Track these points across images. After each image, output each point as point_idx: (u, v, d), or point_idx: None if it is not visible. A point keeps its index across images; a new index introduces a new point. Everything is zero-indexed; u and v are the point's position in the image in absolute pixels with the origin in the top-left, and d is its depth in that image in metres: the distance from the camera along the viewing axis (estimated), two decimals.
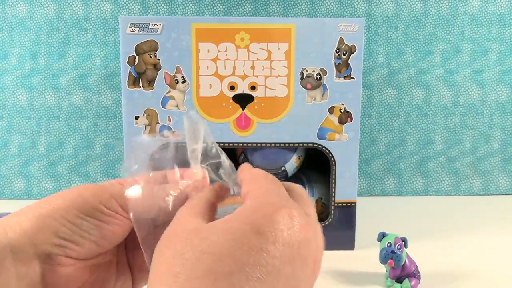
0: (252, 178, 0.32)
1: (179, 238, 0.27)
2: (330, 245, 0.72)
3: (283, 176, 0.75)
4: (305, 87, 0.69)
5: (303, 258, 0.26)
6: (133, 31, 0.67)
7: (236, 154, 0.78)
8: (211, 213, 0.31)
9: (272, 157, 0.72)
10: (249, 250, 0.25)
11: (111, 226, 0.33)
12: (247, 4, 0.95)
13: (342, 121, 0.70)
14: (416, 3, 0.95)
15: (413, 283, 0.60)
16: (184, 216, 0.30)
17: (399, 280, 0.61)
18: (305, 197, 0.32)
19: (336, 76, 0.69)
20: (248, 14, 0.95)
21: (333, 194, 0.71)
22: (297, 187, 0.33)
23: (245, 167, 0.34)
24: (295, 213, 0.27)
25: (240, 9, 0.95)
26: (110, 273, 0.35)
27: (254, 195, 0.29)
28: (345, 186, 0.71)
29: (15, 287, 0.30)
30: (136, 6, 0.94)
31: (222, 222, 0.27)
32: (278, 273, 0.25)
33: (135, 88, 0.68)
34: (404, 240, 0.60)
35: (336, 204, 0.71)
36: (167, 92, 0.68)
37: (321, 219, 0.75)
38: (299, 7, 0.95)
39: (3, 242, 0.30)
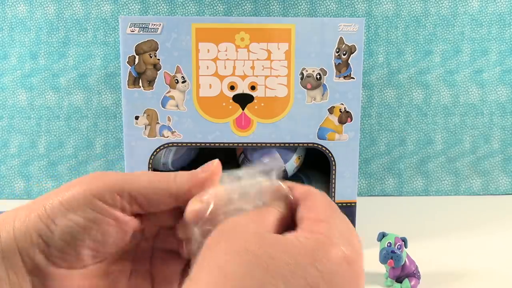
0: (312, 203, 0.29)
1: (238, 238, 0.26)
2: None
3: (283, 176, 0.75)
4: (305, 87, 0.69)
5: None
6: (133, 31, 0.67)
7: (236, 154, 0.78)
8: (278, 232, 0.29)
9: (272, 157, 0.72)
10: (304, 282, 0.25)
11: (108, 227, 0.29)
12: (247, 4, 0.95)
13: (342, 121, 0.70)
14: (416, 3, 0.95)
15: (413, 283, 0.60)
16: (252, 220, 0.28)
17: (399, 280, 0.61)
18: (352, 231, 0.30)
19: (336, 76, 0.69)
20: (248, 14, 0.95)
21: (333, 194, 0.71)
22: (346, 222, 0.30)
23: (299, 186, 0.31)
24: (348, 255, 0.26)
25: (240, 9, 0.95)
26: (119, 284, 0.31)
27: (314, 228, 0.27)
28: (345, 186, 0.71)
29: None
30: (136, 6, 0.94)
31: (286, 239, 0.26)
32: None
33: (135, 88, 0.68)
34: (404, 240, 0.60)
35: (336, 204, 0.71)
36: (167, 92, 0.68)
37: None
38: (299, 7, 0.95)
39: None
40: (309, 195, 0.30)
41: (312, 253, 0.26)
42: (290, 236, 0.27)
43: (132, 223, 0.31)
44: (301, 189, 0.31)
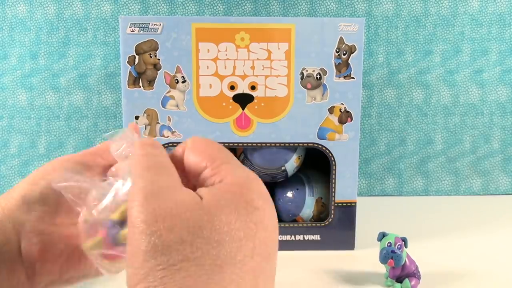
0: (198, 148, 0.30)
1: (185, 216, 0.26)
2: (330, 245, 0.72)
3: (283, 176, 0.75)
4: (305, 87, 0.69)
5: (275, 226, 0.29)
6: (133, 31, 0.67)
7: (236, 154, 0.78)
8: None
9: (272, 157, 0.72)
10: (252, 232, 0.26)
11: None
12: (247, 4, 0.95)
13: (342, 121, 0.70)
14: (416, 3, 0.95)
15: (413, 283, 0.60)
16: (169, 184, 0.28)
17: (399, 280, 0.61)
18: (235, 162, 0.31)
19: (336, 76, 0.69)
20: (248, 14, 0.95)
21: (333, 194, 0.71)
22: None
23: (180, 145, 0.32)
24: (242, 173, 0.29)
25: (240, 9, 0.95)
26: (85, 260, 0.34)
27: (221, 175, 0.29)
28: (345, 186, 0.71)
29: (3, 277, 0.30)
30: (136, 6, 0.94)
31: (213, 201, 0.27)
32: (265, 246, 0.27)
33: (135, 88, 0.68)
34: (404, 240, 0.60)
35: (336, 204, 0.71)
36: (167, 92, 0.68)
37: (321, 219, 0.75)
38: (299, 7, 0.95)
39: None
40: (187, 144, 0.31)
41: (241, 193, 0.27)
42: (209, 193, 0.28)
43: None
44: (177, 149, 0.32)
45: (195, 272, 0.24)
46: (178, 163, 0.30)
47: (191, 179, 0.30)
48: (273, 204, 0.29)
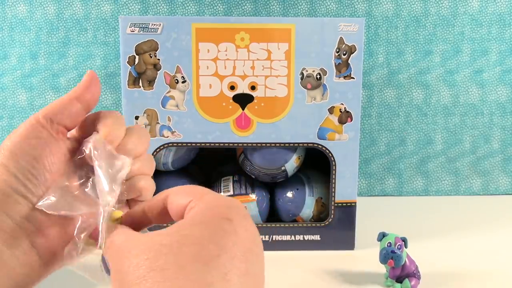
0: (183, 190, 0.32)
1: (143, 244, 0.27)
2: (330, 245, 0.72)
3: (283, 176, 0.75)
4: (305, 87, 0.69)
5: (259, 241, 0.30)
6: (133, 31, 0.67)
7: (236, 154, 0.78)
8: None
9: (272, 157, 0.72)
10: (226, 234, 0.27)
11: (52, 144, 0.33)
12: (247, 4, 0.95)
13: (342, 121, 0.70)
14: (416, 3, 0.95)
15: (413, 283, 0.60)
16: (126, 235, 0.30)
17: (399, 280, 0.61)
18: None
19: (336, 76, 0.69)
20: (248, 14, 0.95)
21: (333, 194, 0.71)
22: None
23: (160, 193, 0.34)
24: (241, 207, 0.31)
25: (240, 9, 0.95)
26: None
27: (204, 199, 0.30)
28: (345, 186, 0.71)
29: (8, 257, 0.30)
30: (136, 6, 0.94)
31: (183, 221, 0.29)
32: (251, 252, 0.28)
33: (135, 88, 0.68)
34: (404, 240, 0.60)
35: (336, 204, 0.71)
36: (167, 92, 0.68)
37: (321, 219, 0.75)
38: (299, 7, 0.95)
39: None
40: (170, 190, 0.33)
41: (218, 212, 0.29)
42: (187, 218, 0.29)
43: (68, 142, 0.35)
44: (158, 196, 0.33)
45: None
46: (155, 208, 0.33)
47: (178, 219, 0.31)
48: (252, 222, 0.30)
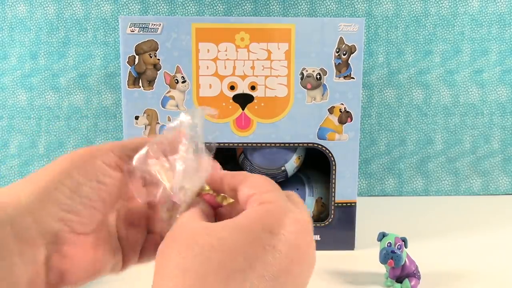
0: (254, 181, 0.31)
1: (185, 236, 0.27)
2: (330, 245, 0.72)
3: (283, 176, 0.75)
4: (305, 87, 0.69)
5: (309, 260, 0.27)
6: (133, 31, 0.67)
7: (236, 154, 0.78)
8: (211, 220, 0.31)
9: (272, 157, 0.72)
10: (262, 248, 0.25)
11: (108, 186, 0.32)
12: (247, 4, 0.95)
13: (342, 121, 0.70)
14: (416, 3, 0.95)
15: (413, 283, 0.60)
16: (187, 219, 0.30)
17: (399, 280, 0.61)
18: (302, 203, 0.32)
19: (336, 76, 0.69)
20: (248, 14, 0.95)
21: (333, 194, 0.71)
22: (294, 195, 0.33)
23: (234, 173, 0.33)
24: (300, 219, 0.28)
25: (240, 9, 0.95)
26: (107, 251, 0.34)
27: (262, 199, 0.29)
28: (345, 186, 0.71)
29: (18, 270, 0.28)
30: (136, 6, 0.94)
31: (232, 221, 0.27)
32: (287, 272, 0.26)
33: (135, 88, 0.68)
34: (404, 240, 0.60)
35: (336, 204, 0.71)
36: (167, 92, 0.68)
37: (321, 219, 0.75)
38: (299, 7, 0.95)
39: (2, 218, 0.28)
40: (247, 177, 0.32)
41: (263, 221, 0.27)
42: (237, 217, 0.28)
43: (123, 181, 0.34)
44: (238, 176, 0.32)
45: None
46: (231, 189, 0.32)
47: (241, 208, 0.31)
48: (306, 236, 0.28)
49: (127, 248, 0.35)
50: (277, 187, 0.31)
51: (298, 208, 0.30)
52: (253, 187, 0.30)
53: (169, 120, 0.69)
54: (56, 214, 0.30)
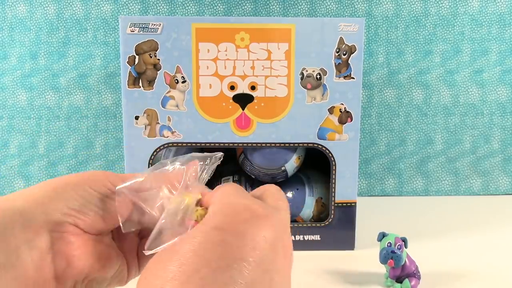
0: (216, 190, 0.33)
1: (167, 249, 0.28)
2: (330, 245, 0.72)
3: (283, 176, 0.75)
4: (305, 87, 0.69)
5: (269, 246, 0.28)
6: (133, 31, 0.67)
7: (236, 154, 0.78)
8: None
9: (272, 157, 0.72)
10: (212, 246, 0.26)
11: (109, 202, 0.35)
12: (247, 4, 0.95)
13: (342, 121, 0.70)
14: (416, 3, 0.95)
15: (413, 283, 0.60)
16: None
17: (399, 280, 0.61)
18: (276, 192, 0.34)
19: (336, 76, 0.69)
20: (248, 14, 0.95)
21: (333, 194, 0.71)
22: (269, 186, 0.35)
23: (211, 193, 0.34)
24: (255, 207, 0.29)
25: (240, 9, 0.95)
26: (111, 255, 0.35)
27: (215, 200, 0.31)
28: (345, 186, 0.71)
29: (25, 255, 0.30)
30: (136, 6, 0.94)
31: (192, 231, 0.29)
32: (246, 261, 0.26)
33: (135, 88, 0.68)
34: (404, 240, 0.60)
35: (336, 204, 0.71)
36: (167, 92, 0.68)
37: (321, 219, 0.75)
38: (299, 7, 0.95)
39: (12, 209, 0.31)
40: (216, 189, 0.33)
41: (213, 220, 0.29)
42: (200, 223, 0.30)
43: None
44: (209, 196, 0.33)
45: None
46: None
47: None
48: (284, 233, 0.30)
49: (126, 254, 0.37)
50: (233, 186, 0.32)
51: (267, 198, 0.32)
52: (212, 193, 0.32)
53: (169, 120, 0.69)
54: (62, 209, 0.32)
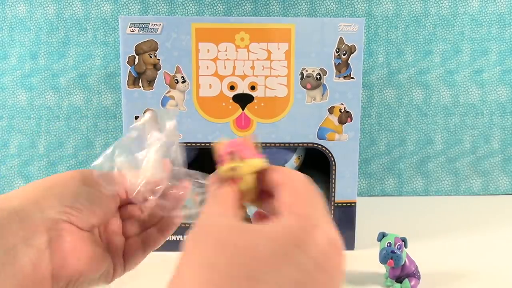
0: (295, 188, 0.30)
1: (217, 233, 0.27)
2: None
3: None
4: (305, 87, 0.69)
5: (334, 277, 0.27)
6: (133, 31, 0.67)
7: None
8: (242, 213, 0.31)
9: (272, 157, 0.72)
10: (290, 264, 0.25)
11: (106, 198, 0.36)
12: (247, 4, 0.95)
13: (342, 121, 0.70)
14: (416, 3, 0.95)
15: (413, 283, 0.60)
16: (218, 212, 0.30)
17: (399, 280, 0.61)
18: (305, 192, 0.31)
19: (336, 76, 0.69)
20: (248, 14, 0.95)
21: (333, 194, 0.71)
22: (294, 177, 0.32)
23: (279, 168, 0.33)
24: (333, 238, 0.28)
25: (240, 9, 0.95)
26: (102, 254, 0.36)
27: (296, 210, 0.28)
28: (345, 186, 0.71)
29: (22, 254, 0.31)
30: (136, 6, 0.94)
31: (268, 228, 0.27)
32: None
33: (135, 88, 0.68)
34: (404, 240, 0.60)
35: (336, 204, 0.71)
36: (167, 92, 0.68)
37: None
38: (299, 7, 0.95)
39: (8, 208, 0.31)
40: (288, 179, 0.31)
41: (296, 238, 0.26)
42: (273, 225, 0.27)
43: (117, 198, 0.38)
44: (279, 173, 0.32)
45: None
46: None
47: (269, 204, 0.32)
48: (335, 261, 0.28)
49: (112, 254, 0.37)
50: (316, 195, 0.30)
51: (327, 220, 0.29)
52: (293, 195, 0.30)
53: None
54: (56, 206, 0.33)
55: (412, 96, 0.98)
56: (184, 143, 0.70)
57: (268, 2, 0.94)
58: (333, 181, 0.71)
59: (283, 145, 0.70)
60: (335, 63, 0.68)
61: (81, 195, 0.34)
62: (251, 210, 0.35)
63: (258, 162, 0.33)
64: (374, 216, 0.86)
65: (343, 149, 0.70)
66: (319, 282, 0.26)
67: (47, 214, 0.32)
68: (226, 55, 0.67)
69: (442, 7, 0.95)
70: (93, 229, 0.36)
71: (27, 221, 0.31)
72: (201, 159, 0.82)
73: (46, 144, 0.97)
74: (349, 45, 0.68)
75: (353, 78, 0.69)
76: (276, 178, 0.32)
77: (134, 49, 0.67)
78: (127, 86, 0.68)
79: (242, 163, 0.32)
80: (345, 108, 0.69)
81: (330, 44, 0.68)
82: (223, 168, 0.32)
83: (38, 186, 0.34)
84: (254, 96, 0.69)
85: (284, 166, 0.73)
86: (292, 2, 0.95)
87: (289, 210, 0.28)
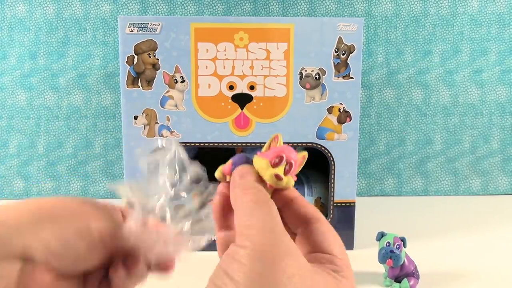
0: (337, 241, 0.32)
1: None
2: None
3: None
4: (304, 87, 0.69)
5: None
6: (132, 31, 0.67)
7: (235, 154, 0.78)
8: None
9: None
10: None
11: (92, 250, 0.33)
12: (246, 4, 0.95)
13: (341, 121, 0.70)
14: (416, 3, 0.95)
15: (412, 282, 0.60)
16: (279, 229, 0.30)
17: (398, 279, 0.61)
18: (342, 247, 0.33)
19: (335, 76, 0.69)
20: (247, 14, 0.95)
21: (332, 194, 0.71)
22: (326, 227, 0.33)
23: (237, 181, 0.34)
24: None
25: (239, 9, 0.95)
26: None
27: (347, 273, 0.30)
28: (344, 186, 0.71)
29: None
30: (135, 6, 0.94)
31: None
32: None
33: (134, 88, 0.68)
34: (403, 240, 0.60)
35: (335, 204, 0.71)
36: (166, 92, 0.68)
37: None
38: (298, 7, 0.95)
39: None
40: (326, 229, 0.32)
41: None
42: (343, 281, 0.29)
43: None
44: (311, 213, 0.33)
45: None
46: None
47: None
48: None
49: None
50: (267, 215, 0.31)
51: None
52: (339, 249, 0.31)
53: (168, 119, 0.69)
54: (38, 247, 0.31)
55: (411, 96, 0.98)
56: (183, 143, 0.70)
57: (267, 2, 0.95)
58: (332, 181, 0.71)
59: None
60: (334, 63, 0.68)
61: (71, 245, 0.31)
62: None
63: (292, 182, 0.33)
64: (373, 216, 0.86)
65: (342, 149, 0.70)
66: None
67: (27, 248, 0.30)
68: (225, 55, 0.67)
69: (442, 7, 0.95)
70: (73, 275, 0.33)
71: (3, 249, 0.30)
72: (200, 159, 0.82)
73: (45, 144, 0.97)
74: (348, 45, 0.68)
75: (352, 78, 0.69)
76: (307, 214, 0.33)
77: (133, 49, 0.67)
78: (126, 86, 0.68)
79: (287, 178, 0.32)
80: (344, 108, 0.69)
81: (329, 44, 0.68)
82: (269, 170, 0.32)
83: (27, 214, 0.31)
84: (253, 96, 0.69)
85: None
86: (291, 2, 0.95)
87: (347, 265, 0.30)
